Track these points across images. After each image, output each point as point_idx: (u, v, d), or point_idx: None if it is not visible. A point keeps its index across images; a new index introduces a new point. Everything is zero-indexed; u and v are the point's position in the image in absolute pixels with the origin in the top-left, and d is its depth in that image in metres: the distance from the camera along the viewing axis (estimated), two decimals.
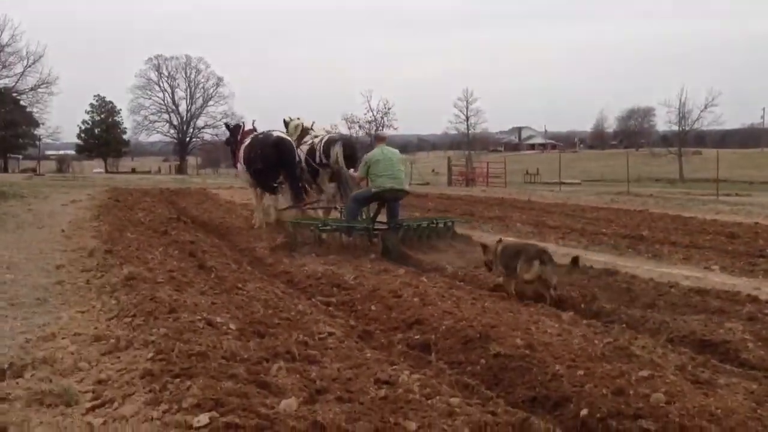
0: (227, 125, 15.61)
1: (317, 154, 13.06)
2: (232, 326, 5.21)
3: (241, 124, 15.40)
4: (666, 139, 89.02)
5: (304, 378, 4.08)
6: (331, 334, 5.32)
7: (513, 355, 4.60)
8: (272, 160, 12.81)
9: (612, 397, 3.79)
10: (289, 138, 13.37)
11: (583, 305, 6.81)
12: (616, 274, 8.36)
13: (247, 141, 13.56)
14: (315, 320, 5.83)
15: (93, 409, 3.79)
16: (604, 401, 3.74)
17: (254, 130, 14.22)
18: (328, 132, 14.20)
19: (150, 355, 4.43)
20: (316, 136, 13.63)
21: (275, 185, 13.12)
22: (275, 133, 13.43)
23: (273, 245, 10.48)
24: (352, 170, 12.12)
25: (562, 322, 5.91)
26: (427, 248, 10.34)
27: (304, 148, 13.47)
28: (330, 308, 6.69)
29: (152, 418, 3.50)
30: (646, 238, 12.89)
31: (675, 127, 72.81)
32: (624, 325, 5.87)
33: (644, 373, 4.15)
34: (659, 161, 70.71)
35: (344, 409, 3.54)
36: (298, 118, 14.40)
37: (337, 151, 12.67)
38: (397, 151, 11.53)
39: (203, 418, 3.29)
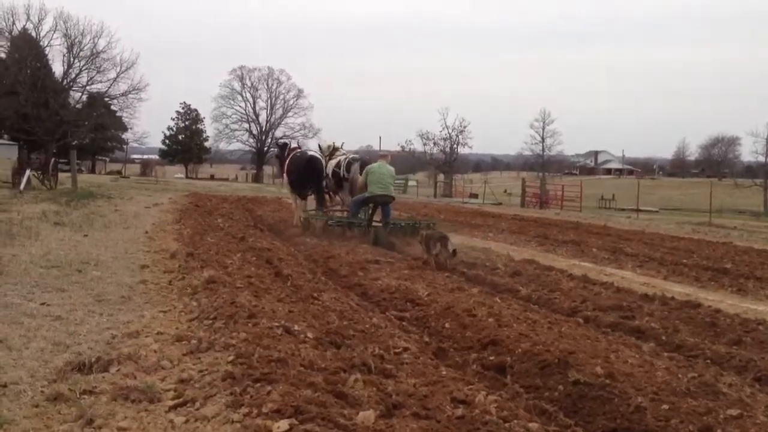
0: (277, 142, 20.16)
1: (341, 170, 15.91)
2: (309, 335, 5.27)
3: (288, 143, 19.64)
4: (751, 170, 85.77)
5: (381, 391, 4.09)
6: (406, 349, 5.31)
7: (593, 383, 4.48)
8: (304, 173, 16.16)
9: None
10: (320, 157, 16.52)
11: (664, 337, 6.58)
12: (699, 306, 8.05)
13: (290, 157, 16.80)
14: (390, 334, 5.83)
15: (175, 407, 3.89)
16: None
17: (298, 148, 17.92)
18: (350, 154, 17.38)
19: (231, 358, 4.52)
20: (342, 155, 16.50)
21: (305, 193, 16.53)
22: (309, 153, 17.09)
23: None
24: (359, 178, 14.95)
25: (642, 353, 5.73)
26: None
27: (333, 163, 16.29)
28: (404, 323, 6.68)
29: (233, 421, 3.57)
30: (730, 271, 12.38)
31: (761, 158, 70.16)
32: (708, 361, 5.65)
33: (733, 411, 3.98)
34: (743, 192, 68.01)
35: (421, 426, 3.53)
36: (333, 142, 17.54)
37: (355, 168, 15.54)
38: (391, 167, 14.82)
39: (283, 425, 3.34)
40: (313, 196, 16.80)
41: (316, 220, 14.75)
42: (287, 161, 16.76)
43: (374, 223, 14.10)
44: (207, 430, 3.55)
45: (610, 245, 16.09)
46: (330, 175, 16.20)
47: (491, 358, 5.39)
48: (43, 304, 6.54)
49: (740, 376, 5.21)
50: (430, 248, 10.78)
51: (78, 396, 4.09)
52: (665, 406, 4.07)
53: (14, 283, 7.33)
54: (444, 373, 4.75)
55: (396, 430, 3.34)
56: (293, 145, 18.75)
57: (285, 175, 17.10)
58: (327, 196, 17.04)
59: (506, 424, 3.69)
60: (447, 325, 6.49)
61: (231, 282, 7.40)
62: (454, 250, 10.83)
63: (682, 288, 10.49)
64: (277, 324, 5.46)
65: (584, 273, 10.91)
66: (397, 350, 5.25)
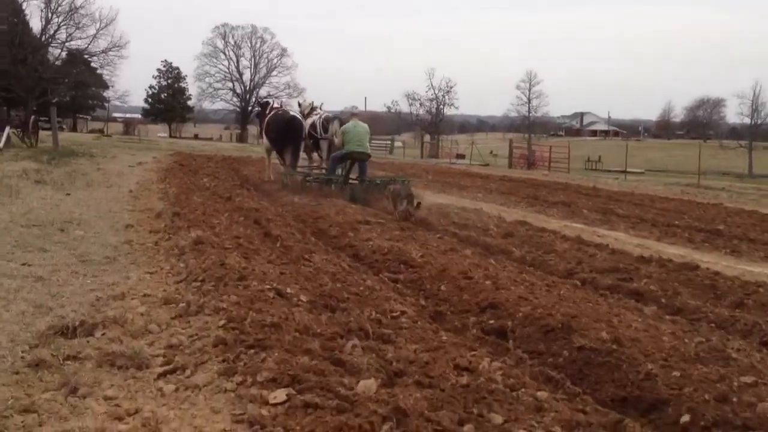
0: (259, 101, 20.20)
1: (318, 129, 16.48)
2: (302, 298, 5.07)
3: (270, 101, 20.26)
4: (735, 132, 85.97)
5: (380, 358, 3.90)
6: (403, 312, 5.13)
7: (599, 349, 4.31)
8: (284, 133, 16.52)
9: (715, 404, 3.49)
10: (299, 118, 16.87)
11: (664, 300, 6.44)
12: (697, 269, 7.92)
13: (270, 115, 17.16)
14: (385, 297, 5.64)
15: (164, 374, 3.68)
16: (707, 408, 3.44)
17: (280, 107, 18.20)
18: (325, 113, 17.46)
19: (222, 322, 4.31)
20: (317, 115, 16.87)
21: (284, 151, 16.79)
22: (290, 113, 17.29)
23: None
24: (336, 138, 15.37)
25: (645, 316, 5.58)
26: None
27: (309, 121, 16.79)
28: (398, 285, 6.48)
29: (226, 390, 3.37)
30: (723, 233, 12.30)
31: (747, 120, 70.19)
32: (712, 325, 5.51)
33: (747, 378, 3.83)
34: (727, 154, 68.15)
35: (425, 395, 3.34)
36: (312, 101, 18.01)
37: (334, 127, 15.83)
38: (365, 125, 14.96)
39: (280, 395, 3.14)
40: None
41: (294, 177, 15.18)
42: (267, 120, 17.14)
43: (350, 180, 14.53)
44: (199, 400, 3.34)
45: (600, 206, 15.98)
46: (306, 135, 16.72)
47: (491, 322, 5.22)
48: (24, 264, 6.29)
49: (746, 340, 5.08)
50: (397, 202, 11.93)
51: (61, 362, 3.87)
52: (676, 373, 3.91)
53: None
54: (444, 338, 4.57)
55: (400, 400, 3.15)
56: (275, 104, 19.08)
57: (264, 133, 17.52)
58: (304, 155, 17.60)
59: (513, 393, 3.52)
60: (443, 288, 6.31)
61: (219, 243, 7.16)
62: (419, 203, 11.99)
63: (676, 249, 10.39)
64: (268, 287, 5.24)
65: (577, 234, 10.77)
66: (394, 314, 5.07)
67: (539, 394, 3.53)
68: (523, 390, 3.57)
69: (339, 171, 14.95)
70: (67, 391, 3.49)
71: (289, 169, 16.00)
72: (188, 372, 3.65)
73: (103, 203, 10.83)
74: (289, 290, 5.25)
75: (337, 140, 15.11)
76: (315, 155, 17.53)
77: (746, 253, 10.37)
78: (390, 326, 4.69)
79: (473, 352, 4.19)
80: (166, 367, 3.74)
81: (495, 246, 9.24)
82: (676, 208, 16.28)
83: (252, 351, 3.71)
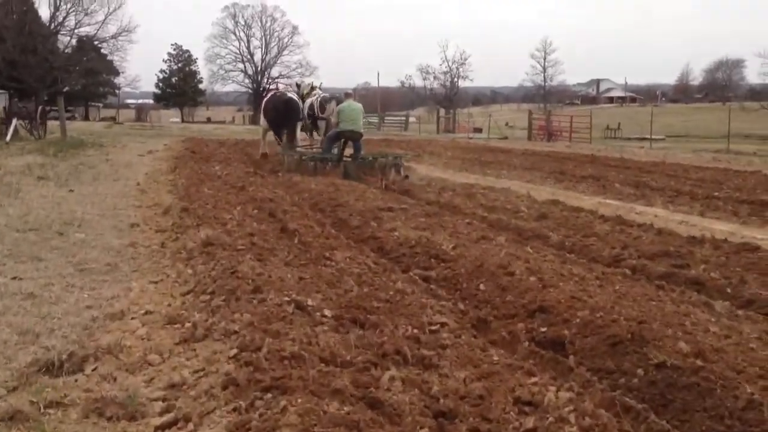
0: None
1: (315, 109, 17.06)
2: (327, 312, 4.38)
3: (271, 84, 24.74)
4: (756, 93, 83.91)
5: (425, 394, 3.22)
6: (443, 325, 4.43)
7: (682, 366, 3.60)
8: (281, 114, 16.95)
9: None
10: (296, 99, 17.20)
11: (729, 290, 5.72)
12: (758, 250, 7.18)
13: (268, 96, 18.06)
14: (420, 303, 4.95)
15: (162, 428, 3.02)
16: None
17: (276, 89, 19.38)
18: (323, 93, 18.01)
19: (233, 352, 3.64)
20: (316, 96, 17.36)
21: (281, 131, 17.34)
22: (288, 94, 17.55)
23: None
24: (333, 118, 15.93)
25: (718, 314, 4.86)
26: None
27: (308, 102, 17.31)
28: (431, 286, 5.79)
29: None
30: None
31: None
32: None
33: None
34: (749, 116, 66.29)
35: None
36: (312, 82, 18.84)
37: (333, 107, 16.25)
38: (359, 105, 15.69)
39: None
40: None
41: (289, 156, 15.57)
42: (264, 101, 18.09)
43: (344, 159, 15.13)
44: None
45: (632, 179, 15.16)
46: (305, 115, 17.38)
47: (543, 330, 4.52)
48: (14, 278, 5.67)
49: None
50: (386, 173, 13.75)
51: (41, 411, 3.23)
52: None
53: None
54: (495, 357, 3.88)
55: None
56: (272, 87, 22.31)
57: (262, 113, 18.24)
58: (305, 134, 18.42)
59: None
60: (482, 287, 5.61)
61: (231, 243, 6.48)
62: (406, 175, 13.75)
63: (723, 225, 9.65)
64: (287, 298, 4.56)
65: (615, 213, 10.02)
66: (433, 327, 4.37)
67: None
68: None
69: (335, 150, 15.40)
70: None
71: (286, 149, 16.51)
72: (191, 425, 2.98)
73: (108, 199, 10.21)
74: (310, 302, 4.57)
75: (333, 119, 15.77)
76: (315, 134, 18.30)
77: None
78: (430, 344, 4.00)
79: (533, 378, 3.50)
80: (165, 418, 3.08)
81: (529, 230, 8.53)
82: (712, 178, 15.41)
83: (269, 395, 3.03)
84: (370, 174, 14.23)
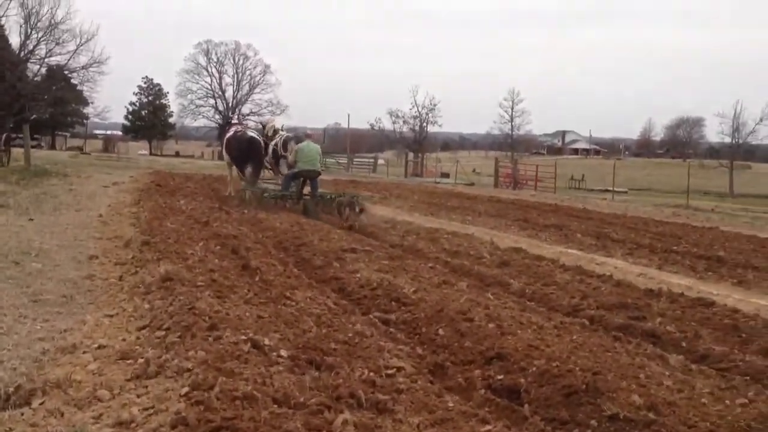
0: (220, 122, 22.40)
1: (279, 148, 17.30)
2: (283, 353, 4.34)
3: (231, 119, 25.20)
4: (714, 151, 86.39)
5: None
6: (399, 369, 4.42)
7: (634, 419, 3.64)
8: (244, 152, 17.32)
9: None
10: (257, 138, 17.64)
11: (684, 344, 5.81)
12: (713, 305, 7.32)
13: (230, 133, 18.34)
14: (377, 346, 4.93)
15: None
16: None
17: (239, 125, 20.09)
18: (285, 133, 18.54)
19: (185, 390, 3.58)
20: (279, 136, 17.70)
21: (244, 168, 17.56)
22: (249, 133, 18.00)
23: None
24: (290, 156, 16.37)
25: (672, 368, 4.92)
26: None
27: (273, 143, 17.63)
28: (390, 329, 5.79)
29: None
30: (725, 260, 11.71)
31: (727, 139, 70.42)
32: (747, 378, 4.86)
33: None
34: (708, 174, 68.21)
35: None
36: (274, 124, 18.95)
37: (293, 146, 16.49)
38: (317, 145, 16.58)
39: None
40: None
41: (250, 193, 16.06)
42: (227, 138, 18.40)
43: (304, 196, 15.76)
44: None
45: (594, 230, 15.40)
46: (271, 154, 17.72)
47: (499, 377, 4.53)
48: None
49: None
50: (342, 212, 14.37)
51: None
52: None
53: None
54: (450, 403, 3.87)
55: None
56: (234, 121, 23.16)
57: (225, 151, 18.65)
58: (270, 172, 18.68)
59: None
60: (441, 332, 5.63)
61: (191, 279, 6.42)
62: (361, 209, 14.25)
63: (680, 279, 9.81)
64: (243, 337, 4.52)
65: (575, 263, 10.16)
66: (389, 371, 4.36)
67: None
68: None
69: (293, 188, 16.02)
70: None
71: (248, 186, 16.95)
72: None
73: (69, 230, 10.05)
74: (267, 341, 4.53)
75: (290, 158, 16.23)
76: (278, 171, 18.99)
77: (754, 284, 9.77)
78: (386, 388, 3.98)
79: (488, 427, 3.50)
80: None
81: (491, 277, 8.60)
82: (671, 232, 15.73)
83: None
84: (328, 212, 14.91)
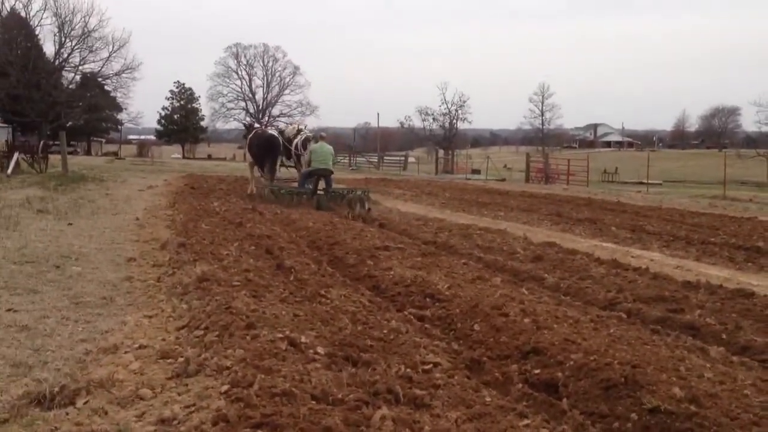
0: (245, 124, 25.01)
1: (299, 146, 19.18)
2: (320, 350, 4.38)
3: (252, 123, 27.07)
4: (752, 140, 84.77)
5: None
6: (436, 364, 4.43)
7: (676, 412, 3.60)
8: (263, 149, 18.69)
9: None
10: (276, 136, 19.35)
11: (724, 336, 5.72)
12: (753, 296, 7.19)
13: (252, 135, 19.71)
14: (413, 343, 4.95)
15: None
16: None
17: (261, 128, 22.36)
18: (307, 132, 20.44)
19: (224, 387, 3.63)
20: (302, 135, 19.51)
21: (263, 165, 18.90)
22: (269, 131, 20.25)
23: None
24: (305, 156, 18.21)
25: (713, 360, 4.86)
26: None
27: (295, 141, 19.52)
28: (426, 325, 5.80)
29: None
30: (764, 250, 11.50)
31: (765, 128, 69.11)
32: None
33: None
34: (745, 163, 66.85)
35: None
36: (297, 125, 21.71)
37: (310, 145, 17.93)
38: (330, 146, 17.64)
39: None
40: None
41: (269, 189, 17.51)
42: (249, 137, 19.82)
43: (318, 192, 16.71)
44: None
45: (629, 223, 15.22)
46: (293, 151, 19.54)
47: (536, 371, 4.51)
48: (9, 310, 5.67)
49: None
50: (352, 207, 15.48)
51: None
52: None
53: None
54: (487, 398, 3.87)
55: None
56: (255, 125, 24.93)
57: (247, 149, 20.19)
58: (295, 169, 20.39)
59: None
60: (476, 327, 5.62)
61: (226, 279, 6.50)
62: (369, 209, 15.55)
63: (718, 271, 9.65)
64: (280, 335, 4.57)
65: (611, 256, 10.05)
66: (426, 366, 4.37)
67: None
68: None
69: (309, 185, 17.15)
70: None
71: (267, 182, 18.39)
72: None
73: (107, 233, 10.23)
74: (303, 339, 4.57)
75: (305, 158, 17.95)
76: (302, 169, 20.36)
77: None
78: (423, 384, 3.99)
79: (526, 421, 3.49)
80: None
81: (525, 272, 8.55)
82: (708, 224, 15.47)
83: None
84: (338, 205, 16.02)
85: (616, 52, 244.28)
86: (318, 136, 18.52)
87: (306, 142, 18.84)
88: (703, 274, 9.10)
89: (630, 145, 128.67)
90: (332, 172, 17.48)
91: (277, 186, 17.85)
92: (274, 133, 20.11)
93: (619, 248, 11.62)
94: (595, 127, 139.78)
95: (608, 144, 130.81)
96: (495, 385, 4.35)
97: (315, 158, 16.87)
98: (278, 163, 19.38)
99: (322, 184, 16.83)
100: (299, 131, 20.36)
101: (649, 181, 38.45)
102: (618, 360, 4.43)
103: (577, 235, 13.54)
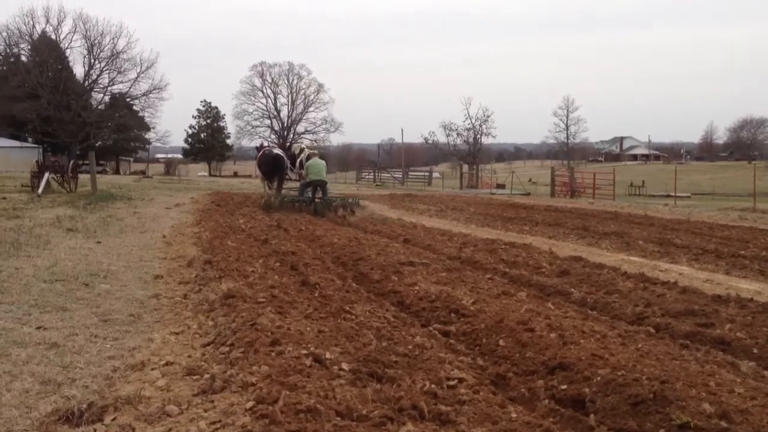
0: (257, 147, 26.69)
1: (304, 162, 21.29)
2: (344, 366, 4.38)
3: (262, 142, 31.92)
4: None
5: None
6: (461, 380, 4.40)
7: (706, 428, 3.54)
8: (270, 167, 21.31)
9: None
10: (282, 155, 22.02)
11: (755, 350, 5.63)
12: None
13: (260, 154, 22.28)
14: (438, 358, 4.93)
15: None
16: None
17: (268, 147, 24.62)
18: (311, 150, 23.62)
19: (250, 404, 3.65)
20: (304, 153, 22.32)
21: (272, 181, 21.54)
22: (275, 151, 22.52)
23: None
24: (302, 170, 21.23)
25: (743, 375, 4.77)
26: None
27: (299, 159, 22.24)
28: (450, 340, 5.78)
29: None
30: None
31: None
32: None
33: None
34: None
35: None
36: (300, 144, 25.98)
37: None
38: (323, 161, 21.04)
39: None
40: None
41: (276, 199, 20.13)
42: (258, 156, 22.45)
43: (316, 199, 19.74)
44: None
45: (656, 236, 15.04)
46: (298, 166, 22.18)
47: (563, 387, 4.46)
48: (39, 327, 5.75)
49: None
50: (338, 211, 18.71)
51: None
52: None
53: (10, 302, 6.55)
54: (513, 414, 3.83)
55: None
56: (264, 144, 28.51)
57: (257, 167, 23.07)
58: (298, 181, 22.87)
59: None
60: (501, 343, 5.58)
61: (252, 296, 6.53)
62: (352, 211, 19.01)
63: (749, 284, 9.48)
64: (305, 351, 4.58)
65: (638, 270, 9.92)
66: (451, 382, 4.35)
67: None
68: None
69: (308, 194, 20.12)
70: None
71: (274, 193, 20.90)
72: None
73: (135, 251, 10.36)
74: (328, 355, 4.57)
75: (303, 172, 20.88)
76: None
77: None
78: (448, 400, 3.97)
79: None
80: None
81: (551, 286, 8.49)
82: (738, 237, 15.24)
83: None
84: (330, 210, 19.01)
85: (640, 64, 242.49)
86: (311, 153, 21.74)
87: (309, 158, 21.29)
88: (734, 287, 8.96)
89: (657, 158, 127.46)
90: (326, 182, 20.71)
91: (282, 196, 20.64)
92: (280, 152, 22.74)
93: (647, 262, 11.48)
94: (621, 140, 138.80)
95: (635, 157, 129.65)
96: (521, 401, 4.32)
97: (311, 171, 20.06)
98: (284, 178, 22.18)
99: (319, 193, 19.94)
100: (302, 149, 23.40)
101: (677, 194, 38.03)
102: (646, 375, 4.37)
103: (603, 249, 13.41)
